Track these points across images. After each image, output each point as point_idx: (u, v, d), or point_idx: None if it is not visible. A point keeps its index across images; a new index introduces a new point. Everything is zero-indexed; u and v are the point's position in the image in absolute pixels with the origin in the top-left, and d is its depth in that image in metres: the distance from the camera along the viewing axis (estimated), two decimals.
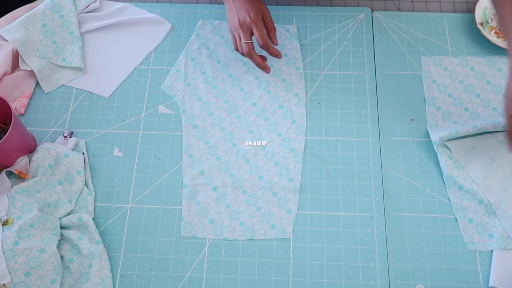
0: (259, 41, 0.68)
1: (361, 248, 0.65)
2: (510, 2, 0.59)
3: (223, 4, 0.84)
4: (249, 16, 0.68)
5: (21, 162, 0.68)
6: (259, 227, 0.66)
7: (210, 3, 0.85)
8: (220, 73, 0.78)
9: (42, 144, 0.71)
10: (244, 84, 0.77)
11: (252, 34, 0.68)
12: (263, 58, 0.71)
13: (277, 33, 0.81)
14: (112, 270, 0.64)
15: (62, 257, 0.62)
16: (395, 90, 0.75)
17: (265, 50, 0.69)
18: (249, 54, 0.68)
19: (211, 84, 0.77)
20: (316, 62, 0.78)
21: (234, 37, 0.70)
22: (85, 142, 0.73)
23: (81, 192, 0.68)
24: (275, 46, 0.72)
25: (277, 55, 0.69)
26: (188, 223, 0.67)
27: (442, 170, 0.68)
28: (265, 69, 0.70)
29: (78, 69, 0.78)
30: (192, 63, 0.79)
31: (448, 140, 0.69)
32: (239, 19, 0.68)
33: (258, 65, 0.70)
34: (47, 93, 0.77)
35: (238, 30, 0.69)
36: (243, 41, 0.68)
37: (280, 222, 0.67)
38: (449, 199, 0.67)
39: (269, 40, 0.69)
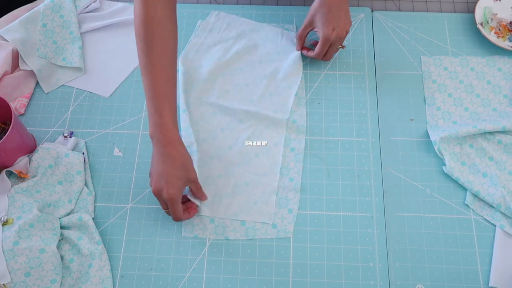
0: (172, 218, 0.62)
1: (361, 248, 0.65)
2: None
3: (223, 4, 0.84)
4: (167, 190, 0.58)
5: (21, 162, 0.67)
6: (260, 226, 0.66)
7: (210, 3, 0.85)
8: None
9: (42, 144, 0.71)
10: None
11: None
12: None
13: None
14: (112, 270, 0.64)
15: (62, 257, 0.62)
16: (395, 90, 0.75)
17: None
18: (179, 219, 0.62)
19: None
20: (316, 62, 0.78)
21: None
22: (85, 142, 0.72)
23: (81, 192, 0.68)
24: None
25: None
26: (189, 223, 0.67)
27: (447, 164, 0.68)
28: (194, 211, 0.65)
29: (78, 69, 0.78)
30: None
31: (448, 140, 0.69)
32: (155, 187, 0.59)
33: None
34: (47, 93, 0.77)
35: (156, 196, 0.60)
36: (164, 208, 0.62)
37: (281, 222, 0.67)
38: (450, 199, 0.67)
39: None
